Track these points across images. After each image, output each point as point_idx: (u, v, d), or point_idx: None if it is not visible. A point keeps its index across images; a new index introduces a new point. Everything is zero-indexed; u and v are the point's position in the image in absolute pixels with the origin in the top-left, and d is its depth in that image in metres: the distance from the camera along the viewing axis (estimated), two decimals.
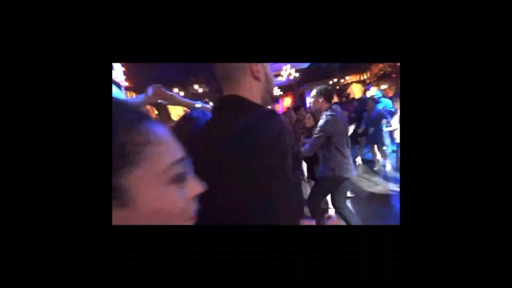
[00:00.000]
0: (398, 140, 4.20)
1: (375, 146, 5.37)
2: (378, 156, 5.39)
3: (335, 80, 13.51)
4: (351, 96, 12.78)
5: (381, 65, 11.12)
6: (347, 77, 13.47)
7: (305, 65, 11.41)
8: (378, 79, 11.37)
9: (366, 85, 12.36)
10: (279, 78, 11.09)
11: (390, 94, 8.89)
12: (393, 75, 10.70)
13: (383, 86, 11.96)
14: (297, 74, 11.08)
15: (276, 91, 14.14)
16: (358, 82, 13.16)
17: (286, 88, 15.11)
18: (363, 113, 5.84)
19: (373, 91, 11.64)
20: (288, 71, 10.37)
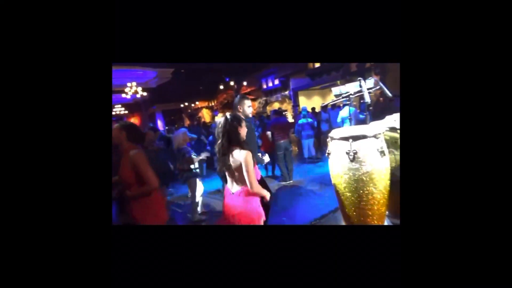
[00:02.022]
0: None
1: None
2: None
3: (186, 104, 14.19)
4: (202, 119, 13.95)
5: (224, 95, 13.12)
6: (197, 102, 14.56)
7: (153, 84, 11.16)
8: (223, 107, 13.28)
9: (214, 111, 14.01)
10: (123, 95, 10.04)
11: None
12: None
13: (228, 113, 14.09)
14: (145, 93, 10.59)
15: (119, 109, 12.52)
16: (207, 107, 14.61)
17: (132, 107, 13.79)
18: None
19: (220, 117, 13.42)
20: (134, 89, 9.67)
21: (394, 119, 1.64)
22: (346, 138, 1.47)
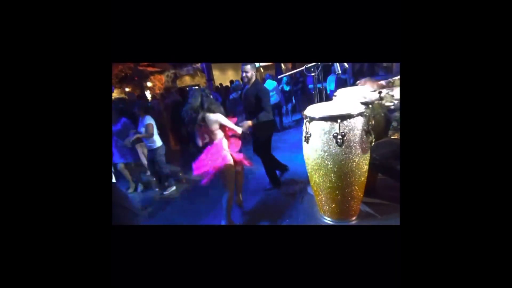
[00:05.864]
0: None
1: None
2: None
3: None
4: None
5: (120, 66, 10.67)
6: None
7: None
8: (121, 81, 10.86)
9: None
10: None
11: (137, 94, 9.11)
12: (136, 78, 10.80)
13: (127, 89, 11.72)
14: None
15: None
16: None
17: None
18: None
19: (116, 93, 11.02)
20: None
21: (364, 96, 1.50)
22: (332, 118, 1.22)
